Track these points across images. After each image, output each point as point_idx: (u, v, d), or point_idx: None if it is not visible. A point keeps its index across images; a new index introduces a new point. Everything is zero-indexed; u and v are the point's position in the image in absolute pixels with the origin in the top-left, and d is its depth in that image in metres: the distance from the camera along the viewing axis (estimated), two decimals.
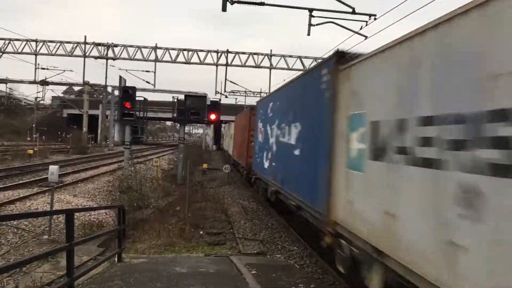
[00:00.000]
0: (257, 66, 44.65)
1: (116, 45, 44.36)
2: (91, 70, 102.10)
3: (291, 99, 10.58)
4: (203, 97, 22.81)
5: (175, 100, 23.34)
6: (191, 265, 7.86)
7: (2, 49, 43.72)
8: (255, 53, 44.58)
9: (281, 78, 78.25)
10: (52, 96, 64.13)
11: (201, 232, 11.95)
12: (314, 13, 16.10)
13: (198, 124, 76.78)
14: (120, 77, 22.27)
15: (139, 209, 14.68)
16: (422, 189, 4.12)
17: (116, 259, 7.99)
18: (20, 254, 9.37)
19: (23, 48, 43.94)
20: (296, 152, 9.38)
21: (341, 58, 6.68)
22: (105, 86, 47.91)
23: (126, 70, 45.47)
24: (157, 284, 6.47)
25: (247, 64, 44.60)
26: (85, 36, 44.25)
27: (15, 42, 43.73)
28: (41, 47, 44.09)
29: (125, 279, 6.65)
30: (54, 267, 8.12)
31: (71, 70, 52.22)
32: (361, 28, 17.00)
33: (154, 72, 45.03)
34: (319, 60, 44.31)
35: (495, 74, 3.21)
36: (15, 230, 10.83)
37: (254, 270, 7.78)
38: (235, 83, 49.88)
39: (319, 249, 9.70)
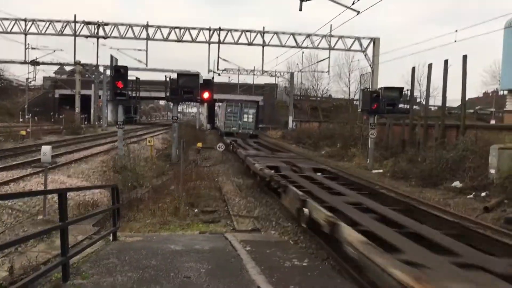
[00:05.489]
0: (250, 44, 44.23)
1: (106, 24, 43.67)
2: (82, 50, 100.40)
3: None
4: (196, 75, 22.64)
5: (168, 79, 23.16)
6: (185, 243, 7.93)
7: None
8: (247, 30, 44.09)
9: (273, 55, 77.53)
10: (43, 77, 63.20)
11: (195, 210, 12.03)
12: None
13: (192, 103, 76.42)
14: (112, 56, 21.96)
15: (133, 189, 14.70)
16: None
17: (111, 238, 8.05)
18: (15, 235, 9.38)
19: (12, 28, 43.20)
20: None
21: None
22: (97, 66, 47.40)
23: (118, 49, 44.85)
24: (152, 262, 6.54)
25: (239, 41, 44.16)
26: (75, 15, 43.59)
27: (4, 21, 42.95)
28: (30, 27, 43.35)
29: (120, 257, 6.72)
30: (49, 246, 8.16)
31: (61, 50, 51.66)
32: (353, 3, 16.86)
33: (146, 51, 44.50)
34: (312, 36, 43.94)
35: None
36: (10, 210, 10.84)
37: (248, 247, 7.86)
38: (228, 61, 49.46)
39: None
